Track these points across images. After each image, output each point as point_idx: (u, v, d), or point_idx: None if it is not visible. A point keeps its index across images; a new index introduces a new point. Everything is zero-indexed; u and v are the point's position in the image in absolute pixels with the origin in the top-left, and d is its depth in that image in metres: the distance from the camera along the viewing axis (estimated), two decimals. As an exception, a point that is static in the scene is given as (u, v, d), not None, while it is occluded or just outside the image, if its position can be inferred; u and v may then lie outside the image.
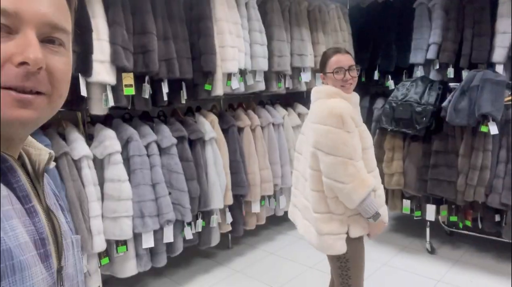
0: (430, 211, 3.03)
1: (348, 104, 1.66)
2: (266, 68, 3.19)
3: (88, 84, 2.19)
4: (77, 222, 2.11)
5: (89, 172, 2.20)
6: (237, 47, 2.87)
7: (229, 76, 2.90)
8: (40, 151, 0.59)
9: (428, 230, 3.16)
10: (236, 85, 2.94)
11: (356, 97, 1.76)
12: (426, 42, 3.74)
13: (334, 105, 1.62)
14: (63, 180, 2.09)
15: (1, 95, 0.46)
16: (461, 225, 3.05)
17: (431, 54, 3.68)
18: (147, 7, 2.37)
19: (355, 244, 1.73)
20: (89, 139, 2.39)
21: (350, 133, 1.59)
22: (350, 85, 1.70)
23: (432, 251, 3.13)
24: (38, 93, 0.49)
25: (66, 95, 0.55)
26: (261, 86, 3.24)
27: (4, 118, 0.46)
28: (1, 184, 0.49)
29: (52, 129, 2.26)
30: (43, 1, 0.49)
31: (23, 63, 0.46)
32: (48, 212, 0.55)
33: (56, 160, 2.08)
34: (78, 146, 2.17)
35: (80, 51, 2.05)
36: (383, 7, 4.18)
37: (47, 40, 0.50)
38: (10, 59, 0.46)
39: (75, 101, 2.16)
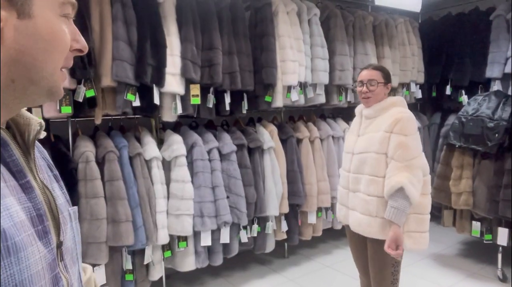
0: (502, 235, 2.79)
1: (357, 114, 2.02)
2: (326, 81, 3.26)
3: (160, 94, 2.48)
4: (145, 215, 2.37)
5: (157, 172, 2.46)
6: (297, 61, 3.00)
7: (289, 88, 3.03)
8: (29, 120, 0.55)
9: (500, 255, 2.90)
10: (296, 97, 3.05)
11: (367, 110, 1.90)
12: (504, 55, 3.50)
13: None
14: (136, 177, 2.37)
15: (61, 74, 0.53)
16: (539, 253, 2.75)
17: (509, 68, 3.43)
18: (214, 25, 2.62)
19: None
20: (160, 143, 2.68)
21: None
22: (368, 98, 1.86)
23: (504, 279, 2.86)
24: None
25: None
26: (321, 99, 3.31)
27: (59, 91, 0.53)
28: None
29: (130, 133, 2.59)
30: None
31: (79, 50, 0.55)
32: (42, 186, 0.53)
33: (131, 159, 2.38)
34: (150, 148, 2.46)
35: (155, 64, 2.34)
36: (457, 19, 4.02)
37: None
38: (70, 45, 0.53)
39: (150, 108, 2.45)
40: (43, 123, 0.57)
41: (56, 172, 0.64)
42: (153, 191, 2.44)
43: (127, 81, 2.23)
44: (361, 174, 1.85)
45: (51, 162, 0.64)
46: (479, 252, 3.33)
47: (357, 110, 2.02)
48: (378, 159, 1.79)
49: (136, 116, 2.59)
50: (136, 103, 2.33)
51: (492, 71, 3.57)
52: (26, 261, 0.45)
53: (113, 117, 2.57)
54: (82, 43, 0.54)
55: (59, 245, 0.53)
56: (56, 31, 0.50)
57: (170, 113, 2.54)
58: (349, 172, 1.93)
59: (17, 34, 0.45)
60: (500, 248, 2.89)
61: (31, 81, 0.48)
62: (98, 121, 2.29)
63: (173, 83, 2.46)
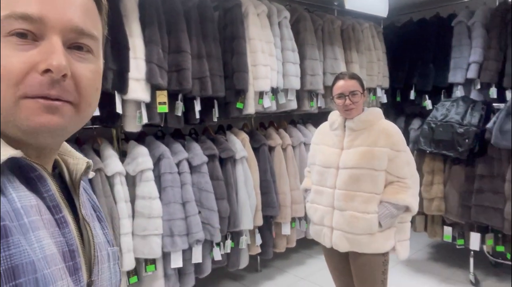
0: (475, 239, 2.82)
1: (326, 124, 1.95)
2: (298, 87, 3.15)
3: (123, 101, 2.21)
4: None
5: (121, 189, 2.20)
6: (269, 66, 2.85)
7: (261, 94, 2.88)
8: (78, 160, 0.58)
9: (471, 260, 2.94)
10: (268, 103, 2.91)
11: (350, 122, 1.79)
12: (466, 61, 3.60)
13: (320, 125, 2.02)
14: (96, 196, 2.08)
15: (28, 104, 0.45)
16: (508, 256, 2.82)
17: (471, 73, 3.53)
18: (182, 26, 2.40)
19: None
20: (123, 155, 2.41)
21: (311, 144, 2.02)
22: (351, 109, 1.76)
23: (476, 284, 2.89)
24: (64, 101, 0.47)
25: (96, 104, 0.53)
26: (293, 105, 3.19)
27: (31, 125, 0.45)
28: (31, 193, 0.47)
29: (87, 145, 2.30)
30: (70, 5, 0.47)
31: (47, 71, 0.45)
32: (83, 222, 0.54)
33: (89, 176, 2.10)
34: (112, 162, 2.19)
35: (116, 69, 2.08)
36: (419, 25, 4.09)
37: (75, 46, 0.48)
38: (35, 67, 0.45)
39: (110, 118, 2.18)
40: (91, 162, 0.59)
41: (100, 214, 0.64)
42: (117, 210, 2.17)
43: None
44: (354, 191, 1.73)
45: (97, 204, 0.65)
46: (449, 255, 3.38)
47: (334, 121, 1.87)
48: (377, 176, 1.70)
49: (94, 126, 2.30)
50: (96, 112, 2.05)
51: (455, 76, 3.66)
52: None
53: (68, 128, 2.26)
54: (48, 62, 0.44)
55: (89, 284, 0.52)
56: None
57: (134, 123, 2.28)
58: (333, 188, 1.79)
59: None
60: (472, 252, 2.93)
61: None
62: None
63: (138, 89, 2.21)
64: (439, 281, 3.02)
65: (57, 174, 0.56)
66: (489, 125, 2.69)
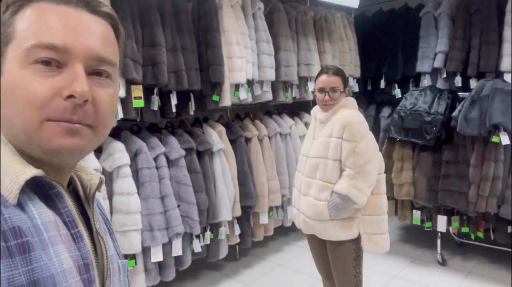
0: (441, 222, 2.99)
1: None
2: (273, 78, 3.17)
3: (97, 97, 2.17)
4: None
5: (98, 186, 2.17)
6: (244, 58, 2.86)
7: (236, 86, 2.89)
8: (92, 176, 0.61)
9: (439, 241, 3.12)
10: (244, 95, 2.92)
11: (320, 114, 1.91)
12: (433, 51, 3.73)
13: None
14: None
15: (51, 126, 0.48)
16: (473, 237, 3.01)
17: (438, 63, 3.67)
18: (156, 19, 2.36)
19: None
20: (98, 151, 2.37)
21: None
22: (329, 105, 1.85)
23: (443, 263, 3.08)
24: (84, 125, 0.50)
25: (112, 126, 0.56)
26: (269, 96, 3.22)
27: (53, 147, 0.49)
28: (49, 210, 0.49)
29: (60, 142, 2.24)
30: (92, 35, 0.51)
31: (70, 96, 0.48)
32: (97, 236, 0.57)
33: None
34: (87, 159, 2.14)
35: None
36: (389, 15, 4.18)
37: (95, 72, 0.52)
38: (59, 93, 0.48)
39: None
40: (103, 178, 0.62)
41: (110, 227, 0.67)
42: (94, 207, 2.14)
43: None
44: (312, 179, 1.87)
45: (107, 218, 0.68)
46: (418, 237, 3.56)
47: (312, 113, 2.01)
48: (332, 165, 1.80)
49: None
50: (69, 109, 2.01)
51: (422, 65, 3.79)
52: None
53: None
54: (72, 89, 0.48)
55: None
56: (16, 82, 0.48)
57: (109, 118, 2.24)
58: (302, 175, 1.94)
59: None
60: (439, 234, 3.10)
61: (15, 139, 0.49)
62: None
63: (112, 84, 2.16)
64: (408, 261, 3.19)
65: (72, 189, 0.59)
66: (454, 113, 2.83)
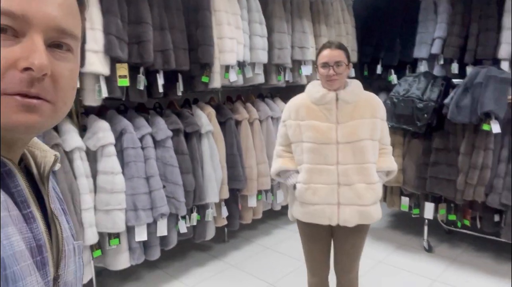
0: (429, 209, 2.99)
1: (303, 98, 1.81)
2: (265, 60, 3.13)
3: (81, 75, 2.15)
4: (69, 214, 2.09)
5: (81, 164, 2.17)
6: (235, 39, 2.81)
7: (227, 68, 2.85)
8: (46, 153, 0.57)
9: (426, 228, 3.13)
10: (234, 77, 2.89)
11: (344, 94, 1.72)
12: (431, 36, 3.66)
13: (290, 100, 1.87)
14: (54, 172, 2.05)
15: (6, 101, 0.44)
16: (459, 224, 3.01)
17: (435, 49, 3.61)
18: (142, -4, 2.31)
19: (298, 224, 1.92)
20: (83, 130, 2.36)
21: (282, 122, 1.87)
22: (335, 80, 1.71)
23: (429, 250, 3.09)
24: (43, 100, 0.47)
25: (72, 102, 0.53)
26: (260, 79, 3.19)
27: (9, 123, 0.45)
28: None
29: (44, 120, 2.23)
30: (53, 4, 0.47)
31: (27, 69, 0.44)
32: (52, 217, 0.54)
33: (47, 151, 2.05)
34: (70, 137, 2.14)
35: (72, 40, 2.00)
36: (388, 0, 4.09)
37: (55, 45, 0.48)
38: (15, 64, 0.44)
39: (68, 91, 2.11)
40: (59, 155, 0.58)
41: (65, 206, 0.64)
42: (77, 186, 2.15)
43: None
44: (360, 164, 1.71)
45: (61, 197, 0.65)
46: (406, 224, 3.57)
47: (324, 95, 1.73)
48: (373, 145, 1.75)
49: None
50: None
51: (420, 51, 3.73)
52: None
53: (23, 102, 2.18)
54: (30, 61, 0.44)
55: (56, 278, 0.53)
56: None
57: (94, 97, 2.22)
58: (336, 164, 1.71)
59: None
60: (426, 221, 3.11)
61: None
62: None
63: (96, 62, 2.14)
64: (395, 247, 3.20)
65: (24, 167, 0.55)
66: (446, 100, 2.79)
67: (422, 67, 3.72)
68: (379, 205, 1.82)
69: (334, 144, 1.71)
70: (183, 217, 2.69)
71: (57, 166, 0.59)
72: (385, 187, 3.30)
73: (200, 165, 2.75)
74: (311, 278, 1.96)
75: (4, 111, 0.44)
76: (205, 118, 2.81)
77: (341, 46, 1.75)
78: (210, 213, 2.86)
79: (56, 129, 2.19)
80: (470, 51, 3.42)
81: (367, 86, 4.55)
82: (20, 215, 0.48)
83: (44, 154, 0.57)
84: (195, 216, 2.79)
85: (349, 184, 1.71)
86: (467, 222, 2.92)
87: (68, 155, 2.15)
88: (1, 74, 0.44)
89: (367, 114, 1.73)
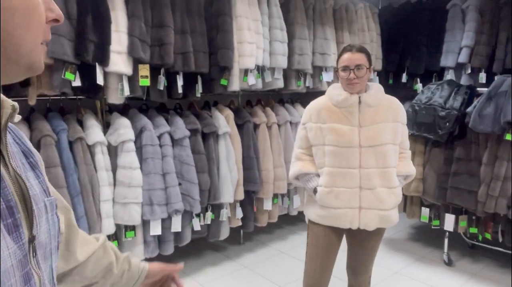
0: (449, 221, 2.89)
1: (324, 101, 1.78)
2: (285, 65, 3.18)
3: (105, 74, 2.28)
4: (88, 205, 2.21)
5: (102, 158, 2.29)
6: (255, 44, 2.89)
7: (246, 72, 2.92)
8: (2, 103, 0.50)
9: (446, 241, 3.02)
10: (253, 81, 2.95)
11: (367, 97, 1.70)
12: (458, 45, 3.58)
13: (310, 103, 1.85)
14: (77, 164, 2.19)
15: (42, 48, 0.50)
16: (480, 238, 2.89)
17: (463, 58, 3.52)
18: (166, 1, 2.44)
19: (311, 227, 1.87)
20: (107, 127, 2.50)
21: (302, 125, 1.84)
22: (355, 84, 1.69)
23: (449, 263, 2.98)
24: None
25: None
26: (280, 84, 3.23)
27: (41, 67, 0.50)
28: None
29: (71, 115, 2.39)
30: None
31: (55, 20, 0.50)
32: (14, 175, 0.49)
33: (71, 144, 2.19)
34: (93, 132, 2.27)
35: (98, 41, 2.14)
36: (415, 7, 4.05)
37: None
38: (45, 15, 0.49)
39: (92, 89, 2.26)
40: (17, 105, 0.52)
41: (34, 159, 0.58)
42: (97, 178, 2.27)
43: (65, 58, 2.03)
44: (382, 168, 1.70)
45: (29, 147, 0.59)
46: (428, 236, 3.46)
47: (346, 98, 1.71)
48: (395, 149, 1.75)
49: (79, 97, 2.38)
50: (76, 83, 2.13)
51: (447, 60, 3.65)
52: None
53: (52, 98, 2.35)
54: (57, 12, 0.50)
55: (31, 239, 0.49)
56: (31, 3, 0.46)
57: (116, 95, 2.36)
58: (358, 168, 1.69)
59: None
60: (447, 233, 3.00)
61: (9, 59, 0.45)
62: (32, 101, 2.07)
63: (119, 62, 2.27)
64: (414, 260, 3.11)
65: None
66: (469, 109, 2.72)
67: (449, 76, 3.63)
68: (397, 208, 1.82)
69: (357, 148, 1.69)
70: (198, 215, 2.76)
71: (17, 118, 0.53)
72: (405, 197, 3.23)
73: (216, 165, 2.82)
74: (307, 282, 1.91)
75: (40, 57, 0.49)
76: (223, 120, 2.88)
77: (362, 49, 1.72)
78: (225, 213, 2.91)
79: (81, 124, 2.34)
80: (498, 60, 3.30)
81: (392, 95, 4.49)
82: None
83: None
84: (209, 215, 2.85)
85: (371, 188, 1.69)
86: (488, 236, 2.79)
87: (90, 149, 2.28)
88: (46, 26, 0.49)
89: (389, 118, 1.71)
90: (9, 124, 0.53)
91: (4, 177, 0.47)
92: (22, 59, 0.46)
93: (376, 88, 1.76)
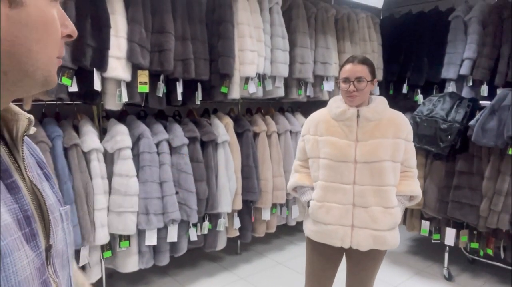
0: (450, 235, 2.85)
1: (324, 113, 1.75)
2: (286, 74, 3.14)
3: (103, 79, 2.24)
4: (82, 213, 2.15)
5: (97, 165, 2.24)
6: (256, 51, 2.85)
7: (246, 80, 2.88)
8: (18, 115, 0.52)
9: (446, 255, 2.97)
10: (253, 89, 2.91)
11: (365, 111, 1.63)
12: (460, 57, 3.56)
13: (311, 115, 1.83)
14: (71, 171, 2.13)
15: (57, 63, 0.51)
16: (482, 253, 2.84)
17: (464, 70, 3.50)
18: (167, 7, 2.40)
19: (307, 243, 1.85)
20: (104, 133, 2.44)
21: (302, 137, 1.82)
22: (355, 97, 1.63)
23: (449, 278, 2.93)
24: None
25: None
26: (280, 92, 3.19)
27: (55, 81, 0.51)
28: None
29: (67, 121, 2.33)
30: None
31: (69, 36, 0.52)
32: (31, 185, 0.51)
33: (66, 151, 2.14)
34: (89, 139, 2.22)
35: (96, 46, 2.10)
36: (417, 18, 4.03)
37: None
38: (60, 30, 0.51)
39: (89, 95, 2.21)
40: (32, 118, 0.54)
41: (47, 170, 0.60)
42: (92, 186, 2.21)
43: (62, 63, 1.97)
44: (378, 186, 1.61)
45: (42, 159, 0.61)
46: (427, 249, 3.41)
47: (344, 111, 1.66)
48: (395, 167, 1.64)
49: (75, 102, 2.33)
50: (73, 88, 2.08)
51: (448, 72, 3.63)
52: (13, 267, 0.42)
53: (47, 103, 2.29)
54: (71, 28, 0.51)
55: (48, 248, 0.51)
56: (49, 19, 0.47)
57: (114, 101, 2.30)
58: (352, 184, 1.63)
59: (9, 24, 0.43)
60: (447, 247, 2.96)
61: (25, 73, 0.46)
62: (27, 106, 2.01)
63: (118, 67, 2.22)
64: (413, 274, 3.06)
65: None
66: (472, 122, 2.69)
67: (450, 88, 3.61)
68: (397, 231, 1.70)
69: (352, 163, 1.63)
70: (194, 225, 2.70)
71: (32, 130, 0.54)
72: (405, 210, 3.18)
73: (214, 174, 2.77)
74: None
75: (54, 71, 0.50)
76: (222, 128, 2.83)
77: (364, 61, 1.66)
78: (222, 223, 2.86)
79: (77, 130, 2.28)
80: (500, 73, 3.28)
81: (392, 105, 4.46)
82: (3, 186, 0.45)
83: (16, 117, 0.52)
84: (206, 224, 2.79)
85: (364, 206, 1.62)
86: (490, 251, 2.75)
87: (86, 156, 2.22)
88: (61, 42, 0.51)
89: (389, 133, 1.63)
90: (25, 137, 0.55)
91: (21, 188, 0.48)
92: (38, 73, 0.47)
93: (378, 102, 1.68)
